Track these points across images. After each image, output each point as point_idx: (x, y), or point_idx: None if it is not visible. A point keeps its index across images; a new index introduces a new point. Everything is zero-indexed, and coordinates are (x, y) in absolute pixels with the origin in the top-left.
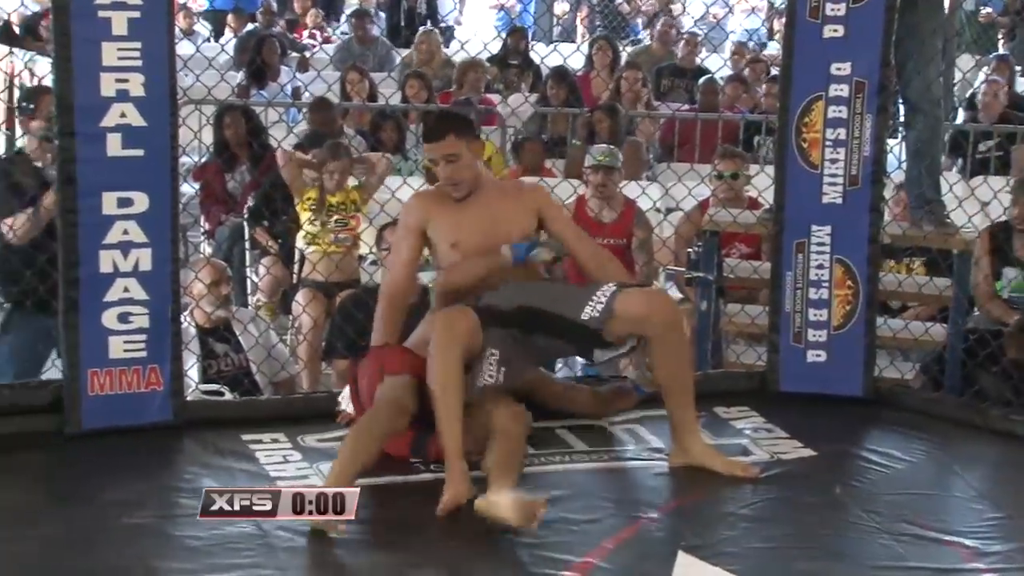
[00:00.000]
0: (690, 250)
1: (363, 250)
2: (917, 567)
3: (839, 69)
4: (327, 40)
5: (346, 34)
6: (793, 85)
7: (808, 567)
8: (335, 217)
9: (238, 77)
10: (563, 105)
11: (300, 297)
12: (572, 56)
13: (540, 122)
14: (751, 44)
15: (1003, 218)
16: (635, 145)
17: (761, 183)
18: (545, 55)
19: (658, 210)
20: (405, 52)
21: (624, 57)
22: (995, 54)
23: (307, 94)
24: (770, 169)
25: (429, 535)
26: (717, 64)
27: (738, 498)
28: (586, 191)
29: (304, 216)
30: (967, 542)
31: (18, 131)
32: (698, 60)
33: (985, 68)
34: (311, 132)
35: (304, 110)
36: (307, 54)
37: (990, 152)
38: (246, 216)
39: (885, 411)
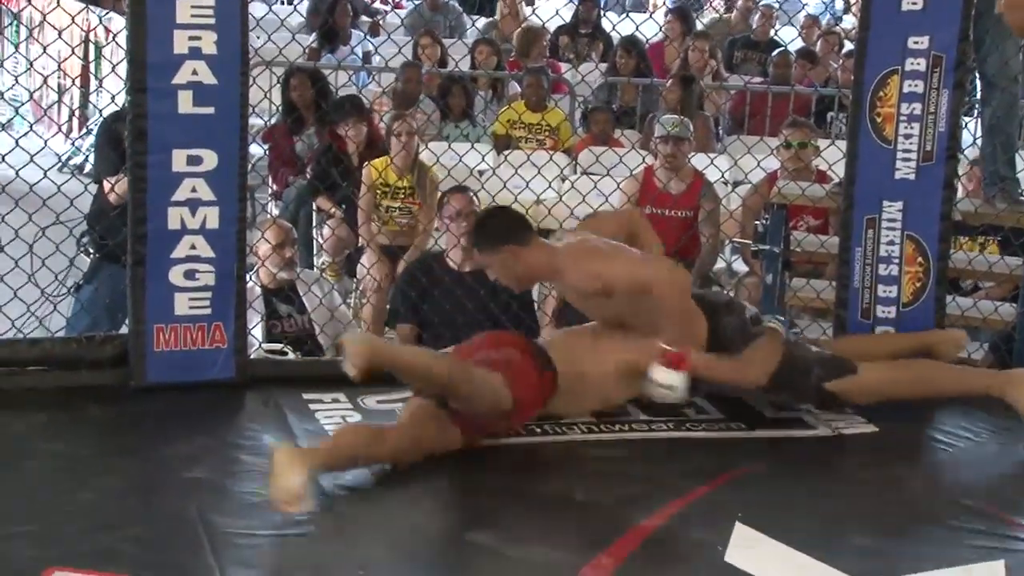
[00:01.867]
0: (757, 222)
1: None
2: (977, 546)
3: (916, 43)
4: (398, 5)
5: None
6: (868, 58)
7: (866, 543)
8: (398, 204)
9: (310, 39)
10: (632, 75)
11: (365, 259)
12: (645, 25)
13: (609, 91)
14: (827, 18)
15: None
16: (705, 120)
17: (832, 156)
18: (617, 23)
19: (726, 182)
20: (477, 18)
21: (698, 27)
22: None
23: (377, 58)
24: (841, 143)
25: (484, 497)
26: (791, 36)
27: (797, 472)
28: (655, 162)
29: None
30: None
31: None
32: (772, 32)
33: None
34: (401, 92)
35: (373, 74)
36: (378, 19)
37: None
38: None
39: None
